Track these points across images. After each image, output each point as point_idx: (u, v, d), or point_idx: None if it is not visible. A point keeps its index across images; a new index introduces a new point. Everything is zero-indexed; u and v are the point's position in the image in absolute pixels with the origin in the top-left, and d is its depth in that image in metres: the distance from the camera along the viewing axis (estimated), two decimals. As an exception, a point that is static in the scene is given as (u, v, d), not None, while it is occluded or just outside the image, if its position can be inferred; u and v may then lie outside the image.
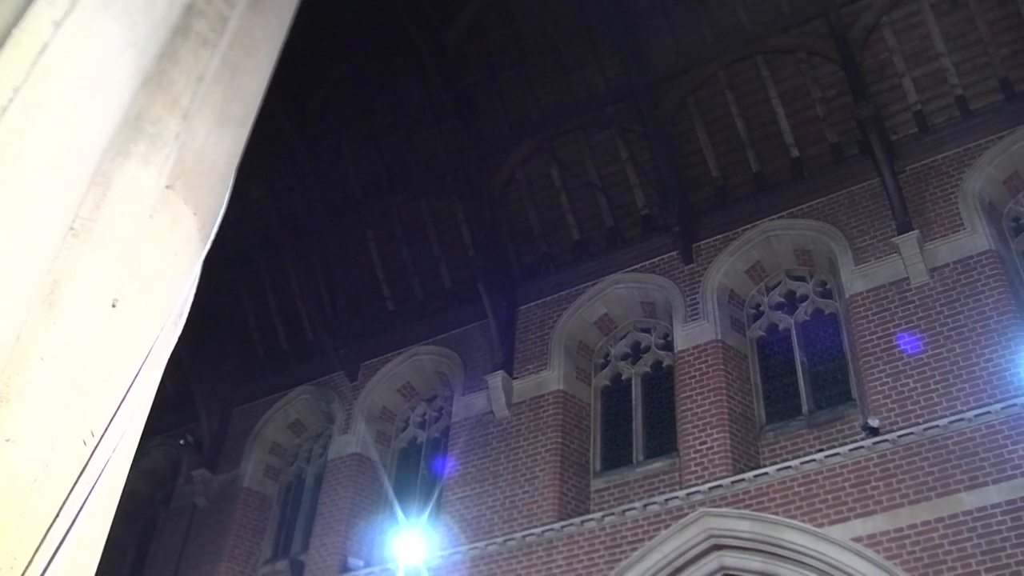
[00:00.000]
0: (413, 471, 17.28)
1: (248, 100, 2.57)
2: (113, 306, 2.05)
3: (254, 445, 18.71)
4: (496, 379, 16.03)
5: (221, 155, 2.45)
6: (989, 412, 11.80)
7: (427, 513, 15.76)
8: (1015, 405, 11.70)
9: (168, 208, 2.21)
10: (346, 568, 15.75)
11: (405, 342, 18.01)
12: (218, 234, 2.59)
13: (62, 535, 1.87)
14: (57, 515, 1.86)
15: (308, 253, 18.91)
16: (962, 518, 11.30)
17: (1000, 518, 11.08)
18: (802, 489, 12.51)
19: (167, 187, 2.21)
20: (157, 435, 19.18)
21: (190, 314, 2.56)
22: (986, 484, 11.38)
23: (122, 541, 19.25)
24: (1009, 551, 10.85)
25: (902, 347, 12.84)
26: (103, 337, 2.03)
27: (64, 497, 1.89)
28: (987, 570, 10.86)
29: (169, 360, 2.44)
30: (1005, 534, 10.96)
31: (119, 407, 2.05)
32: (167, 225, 2.22)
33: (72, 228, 1.99)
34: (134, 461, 2.31)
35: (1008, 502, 11.14)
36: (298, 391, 18.93)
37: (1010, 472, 11.31)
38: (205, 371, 19.21)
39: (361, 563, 15.74)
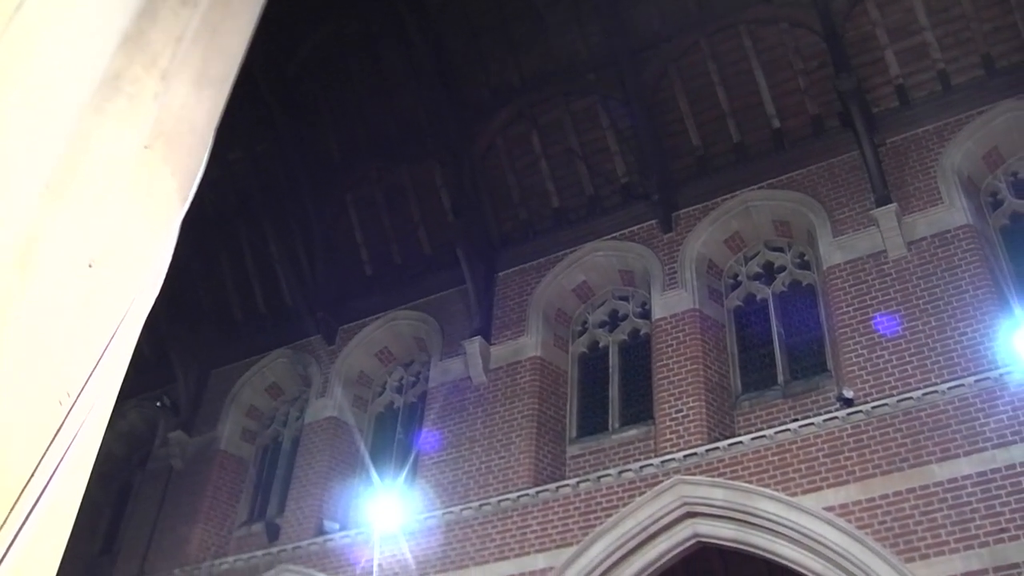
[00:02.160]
0: (389, 435, 17.32)
1: (228, 61, 2.55)
2: (89, 267, 2.03)
3: (231, 408, 18.70)
4: (474, 345, 16.05)
5: (200, 116, 2.43)
6: (962, 385, 11.89)
7: (403, 477, 15.81)
8: (988, 379, 11.79)
9: (146, 169, 2.19)
10: (322, 531, 15.79)
11: (383, 307, 18.00)
12: (196, 196, 2.57)
13: (36, 497, 1.86)
14: (31, 476, 1.85)
15: (287, 217, 18.84)
16: (933, 489, 11.41)
17: (970, 490, 11.19)
18: (776, 458, 12.59)
19: (145, 148, 2.18)
20: (134, 397, 19.15)
21: (167, 276, 2.54)
22: (957, 456, 11.48)
23: (98, 503, 19.25)
24: (978, 522, 10.97)
25: (879, 328, 12.90)
26: (78, 298, 2.01)
27: (39, 459, 1.88)
28: (956, 540, 10.97)
29: (146, 322, 2.43)
30: (975, 505, 11.07)
31: (95, 368, 2.04)
32: (145, 186, 2.20)
33: (48, 188, 1.97)
34: (110, 423, 2.30)
35: (979, 474, 11.24)
36: (275, 354, 18.91)
37: (981, 444, 11.41)
38: (182, 333, 19.16)
39: (337, 526, 15.79)
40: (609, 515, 13.27)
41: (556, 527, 13.61)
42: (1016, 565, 10.54)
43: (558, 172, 17.22)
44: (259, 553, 16.01)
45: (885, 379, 12.60)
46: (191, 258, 18.11)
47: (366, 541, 14.87)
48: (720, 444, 13.12)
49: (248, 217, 19.19)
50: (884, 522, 11.49)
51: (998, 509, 10.94)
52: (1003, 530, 10.81)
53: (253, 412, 18.99)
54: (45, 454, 1.90)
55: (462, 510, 14.44)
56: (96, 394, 2.07)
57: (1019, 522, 10.76)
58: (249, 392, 18.95)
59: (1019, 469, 11.07)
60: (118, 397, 2.31)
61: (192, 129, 2.38)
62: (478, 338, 16.10)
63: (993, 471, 11.19)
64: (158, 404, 19.13)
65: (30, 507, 1.85)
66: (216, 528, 17.43)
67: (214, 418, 18.68)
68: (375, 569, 14.44)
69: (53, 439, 1.93)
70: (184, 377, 19.19)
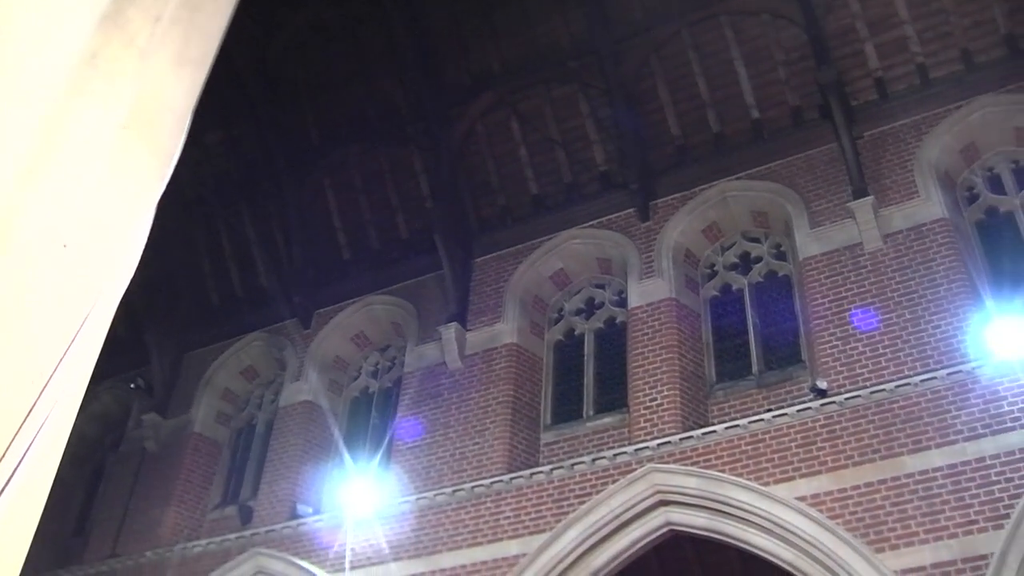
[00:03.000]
0: (364, 420, 17.31)
1: (207, 42, 2.53)
2: (64, 247, 2.02)
3: (205, 390, 18.65)
4: (450, 330, 16.05)
5: (178, 97, 2.41)
6: (935, 378, 11.97)
7: (377, 462, 15.81)
8: (960, 372, 11.86)
9: (123, 149, 2.18)
10: (295, 515, 15.77)
11: (360, 291, 17.97)
12: (174, 178, 2.56)
13: (7, 477, 1.86)
14: (2, 457, 1.85)
15: (265, 200, 18.78)
16: (904, 480, 11.48)
17: (941, 481, 11.27)
18: (749, 448, 12.65)
19: (122, 127, 2.17)
20: (108, 378, 19.08)
21: (143, 258, 2.53)
22: (929, 448, 11.56)
23: (70, 484, 19.18)
24: (948, 514, 11.05)
25: (857, 324, 12.96)
26: (53, 278, 2.00)
27: (10, 439, 1.87)
28: (926, 531, 11.06)
29: (121, 303, 2.42)
30: (945, 497, 11.16)
31: (68, 349, 2.04)
32: (121, 166, 2.19)
33: (23, 167, 1.96)
34: (84, 404, 2.29)
35: (949, 466, 11.32)
36: (251, 337, 18.86)
37: (952, 437, 11.49)
38: (158, 315, 19.08)
39: (310, 510, 15.78)
40: (582, 502, 13.30)
41: (529, 514, 13.64)
42: (984, 557, 10.63)
43: (537, 159, 17.21)
44: (232, 536, 15.99)
45: (859, 371, 12.66)
46: (167, 240, 17.99)
47: (339, 525, 14.88)
48: (694, 433, 13.16)
49: (225, 200, 19.10)
50: (855, 512, 11.57)
51: (967, 501, 11.03)
52: (972, 522, 10.90)
53: (228, 395, 18.94)
54: (17, 434, 1.89)
55: (436, 495, 14.45)
56: (69, 375, 2.06)
57: (988, 514, 10.85)
58: (224, 375, 18.90)
59: (989, 462, 11.16)
60: (92, 378, 2.30)
61: (170, 110, 2.37)
62: (454, 324, 16.09)
63: (963, 463, 11.28)
64: (132, 386, 19.05)
65: (1, 488, 1.84)
66: (189, 511, 17.40)
67: (188, 400, 18.62)
68: (348, 553, 14.45)
69: (25, 419, 1.92)
70: (159, 359, 19.11)
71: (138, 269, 2.50)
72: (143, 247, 2.43)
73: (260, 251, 19.06)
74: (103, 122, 2.13)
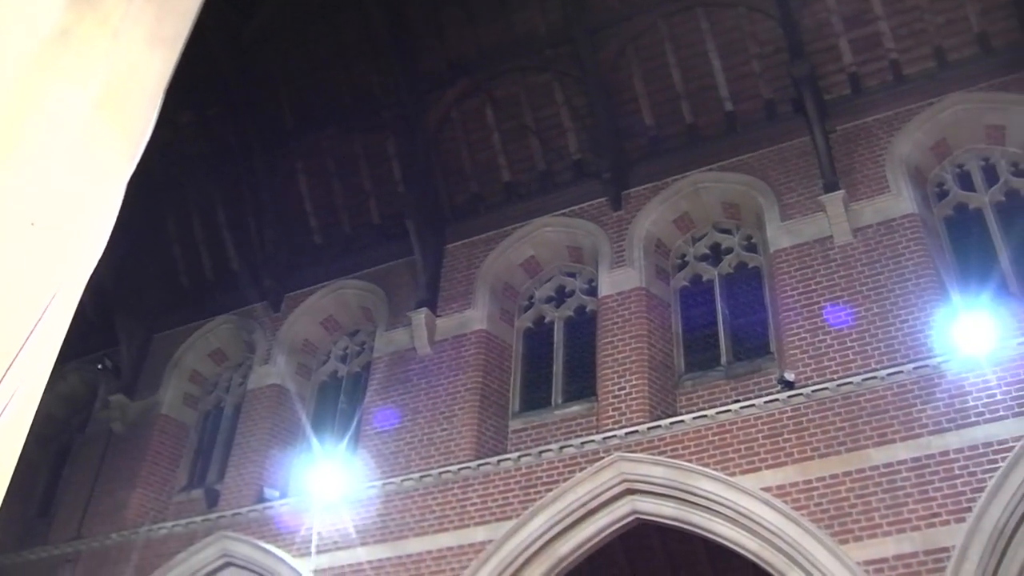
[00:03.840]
0: (332, 404, 17.28)
1: (180, 21, 2.52)
2: (31, 225, 2.01)
3: (173, 372, 18.56)
4: (419, 316, 16.04)
5: (150, 77, 2.40)
6: (901, 372, 12.06)
7: (344, 447, 15.80)
8: (927, 366, 11.96)
9: (93, 127, 2.17)
10: (262, 499, 15.74)
11: (330, 275, 17.92)
12: (145, 158, 2.54)
13: (-28, 454, 1.85)
14: (-33, 434, 1.84)
15: (236, 182, 18.68)
16: (869, 473, 11.58)
17: (905, 474, 11.37)
18: (716, 438, 12.71)
19: (93, 106, 2.16)
20: (75, 359, 18.95)
21: (113, 238, 2.52)
22: (894, 441, 11.65)
23: (36, 464, 19.08)
24: (911, 506, 11.15)
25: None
26: (19, 257, 1.99)
27: (-25, 416, 1.86)
28: (889, 523, 11.16)
29: (89, 283, 2.41)
30: (908, 490, 11.26)
31: (34, 328, 2.03)
32: (91, 145, 2.18)
33: (-8, 144, 1.94)
34: (50, 384, 2.28)
35: (913, 459, 11.42)
36: (220, 320, 18.78)
37: (917, 431, 11.59)
38: (126, 296, 18.96)
39: (277, 494, 15.75)
40: (549, 490, 13.33)
41: (496, 500, 13.67)
42: (946, 549, 10.74)
43: (511, 147, 17.20)
44: (198, 519, 15.94)
45: (826, 363, 12.74)
46: (137, 220, 17.86)
47: (306, 509, 14.87)
48: (662, 423, 13.21)
49: (197, 181, 19.00)
50: (820, 504, 11.65)
51: (931, 494, 11.13)
52: (935, 515, 11.00)
53: (196, 377, 18.86)
54: (-18, 413, 1.88)
55: (403, 481, 14.45)
56: (35, 354, 2.05)
57: (951, 507, 10.96)
58: (192, 357, 18.81)
59: (953, 456, 11.27)
60: (58, 358, 2.29)
61: (142, 89, 2.36)
62: (424, 310, 16.08)
63: (928, 457, 11.38)
64: (99, 367, 18.93)
65: (-35, 466, 1.83)
66: (155, 493, 17.33)
67: (156, 382, 18.53)
68: (314, 538, 14.44)
69: (-10, 398, 1.91)
70: (127, 340, 19.00)
71: (107, 249, 2.48)
72: (112, 227, 2.42)
73: (231, 233, 18.98)
74: (74, 100, 2.12)
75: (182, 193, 19.10)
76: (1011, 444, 11.05)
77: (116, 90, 2.23)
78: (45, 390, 2.22)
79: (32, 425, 2.19)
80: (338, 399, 17.26)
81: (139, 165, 2.48)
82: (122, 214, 2.54)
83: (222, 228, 19.08)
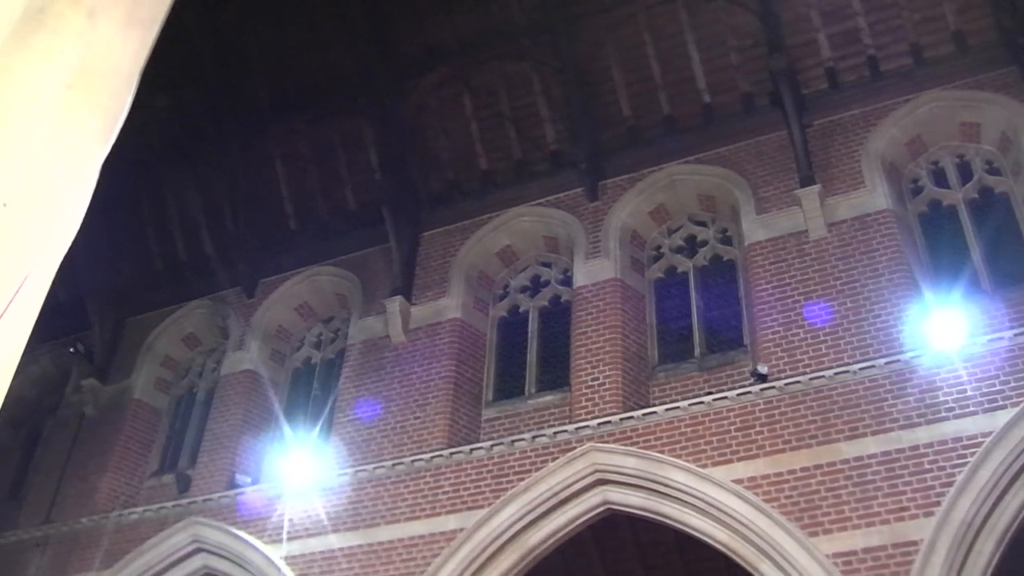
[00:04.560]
0: (305, 391, 17.24)
1: (157, 4, 2.50)
2: (3, 206, 2.00)
3: (146, 357, 18.48)
4: (394, 304, 16.01)
5: (126, 58, 2.38)
6: (873, 366, 12.13)
7: (317, 433, 15.78)
8: (898, 361, 12.04)
9: (67, 108, 2.15)
10: (233, 485, 15.70)
11: (305, 261, 17.87)
12: (119, 140, 2.53)
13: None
14: (-64, 414, 1.83)
15: (212, 167, 18.57)
16: (839, 466, 11.65)
17: (875, 468, 11.45)
18: (688, 430, 12.75)
19: (67, 87, 2.14)
20: (47, 341, 18.81)
21: (86, 220, 2.50)
22: (865, 435, 11.73)
23: (6, 447, 18.97)
24: (881, 500, 11.23)
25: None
26: (-8, 237, 1.98)
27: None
28: (859, 516, 11.23)
29: (62, 265, 2.40)
30: (878, 484, 11.33)
31: (6, 310, 2.01)
32: (65, 126, 2.16)
33: (-35, 122, 1.93)
34: (21, 366, 2.27)
35: (884, 453, 11.50)
36: (194, 305, 18.70)
37: (888, 425, 11.67)
38: (99, 279, 18.85)
39: (249, 480, 15.71)
40: (521, 479, 13.35)
41: (468, 489, 13.68)
42: (915, 543, 10.82)
43: (488, 135, 17.18)
44: (169, 504, 15.89)
45: (799, 357, 12.80)
46: (111, 203, 17.72)
47: (278, 496, 14.84)
48: (634, 413, 13.24)
49: (172, 164, 18.87)
50: (791, 496, 11.72)
51: (900, 488, 11.21)
52: (904, 508, 11.08)
53: (169, 362, 18.78)
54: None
55: (375, 468, 14.45)
56: (6, 335, 2.04)
57: (920, 502, 11.04)
58: (165, 342, 18.73)
59: (923, 450, 11.35)
60: (30, 340, 2.28)
61: (117, 70, 2.34)
62: (399, 297, 16.06)
63: (898, 451, 11.46)
64: (72, 350, 18.82)
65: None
66: (126, 477, 17.25)
67: (129, 366, 18.44)
68: (285, 524, 14.43)
69: (-40, 379, 1.90)
70: (100, 324, 18.89)
71: (80, 231, 2.47)
72: (86, 209, 2.41)
73: (205, 218, 18.87)
74: (47, 79, 2.10)
75: (157, 176, 18.98)
76: (980, 439, 11.15)
77: (90, 71, 2.22)
78: (16, 372, 2.21)
79: (3, 407, 2.18)
80: (311, 386, 17.22)
81: (114, 147, 2.46)
82: (96, 196, 2.52)
83: (197, 212, 18.98)
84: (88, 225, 2.58)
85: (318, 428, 15.90)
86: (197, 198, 18.92)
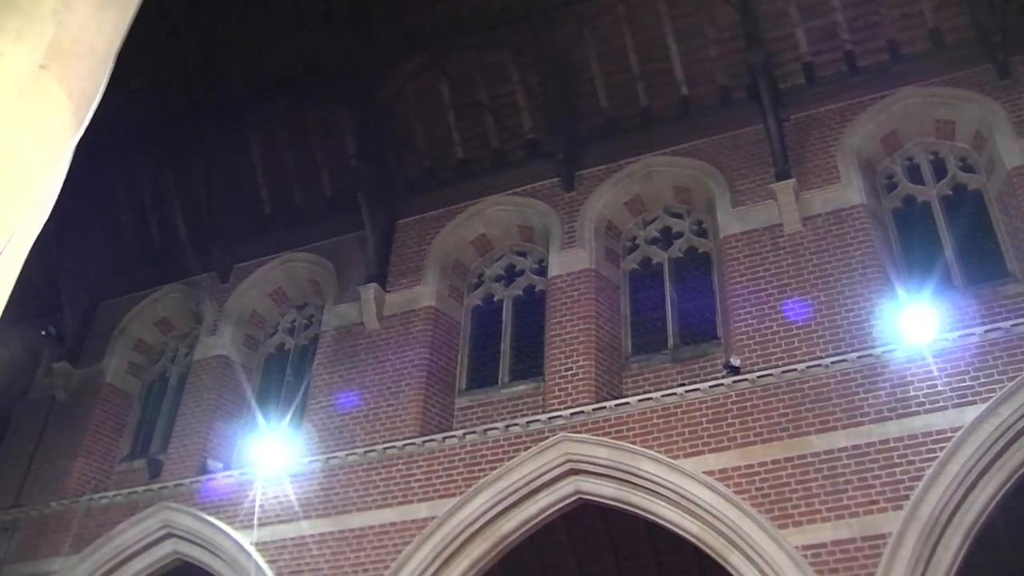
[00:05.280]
0: (279, 377, 17.20)
1: (133, -15, 2.48)
2: (-25, 185, 1.98)
3: (119, 341, 18.38)
4: (369, 291, 15.99)
5: (101, 39, 2.37)
6: (845, 360, 12.19)
7: (289, 420, 15.74)
8: (870, 356, 12.11)
9: (40, 89, 2.13)
10: (205, 470, 15.65)
11: (280, 247, 17.81)
12: (94, 122, 2.51)
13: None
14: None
15: (188, 150, 18.47)
16: (810, 459, 11.71)
17: (845, 461, 11.52)
18: (661, 421, 12.79)
19: (40, 67, 2.13)
20: (18, 324, 18.67)
21: (59, 202, 2.49)
22: (835, 429, 11.79)
23: (-26, 431, 18.84)
24: (851, 493, 11.30)
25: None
26: (-37, 216, 1.96)
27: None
28: (828, 509, 11.30)
29: (34, 247, 2.38)
30: (848, 477, 11.41)
31: (-24, 290, 2.00)
32: (38, 106, 2.15)
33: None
34: (-10, 347, 2.25)
35: (854, 447, 11.57)
36: (168, 289, 18.61)
37: (859, 419, 11.73)
38: (72, 262, 18.73)
39: (220, 466, 15.67)
40: (494, 468, 13.37)
41: (440, 477, 13.68)
42: (883, 536, 10.90)
43: (465, 124, 17.15)
44: (140, 489, 15.83)
45: (772, 350, 12.85)
46: (85, 184, 17.60)
47: (249, 482, 14.81)
48: (607, 404, 13.28)
49: (148, 147, 18.74)
50: (761, 488, 11.78)
51: (870, 481, 11.28)
52: (873, 502, 11.16)
53: (141, 346, 18.69)
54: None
55: (347, 455, 14.43)
56: (-24, 316, 2.03)
57: (889, 495, 11.12)
58: (138, 326, 18.64)
59: (893, 444, 11.42)
60: (1, 323, 2.27)
61: (92, 51, 2.32)
62: (373, 285, 16.03)
63: (868, 445, 11.53)
64: (43, 333, 18.70)
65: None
66: (97, 462, 17.17)
67: (101, 350, 18.34)
68: (256, 510, 14.40)
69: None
70: (72, 307, 18.78)
71: (53, 213, 2.45)
72: (58, 190, 2.39)
73: (180, 202, 18.78)
74: (20, 60, 2.08)
75: (132, 159, 18.86)
76: (949, 434, 11.23)
77: (65, 51, 2.20)
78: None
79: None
80: (284, 372, 17.18)
81: (88, 129, 2.45)
82: (69, 177, 2.51)
83: (171, 196, 18.87)
84: (61, 207, 2.56)
85: (291, 414, 15.86)
86: (172, 182, 18.82)
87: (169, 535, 15.21)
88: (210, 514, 14.87)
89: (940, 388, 11.60)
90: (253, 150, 18.36)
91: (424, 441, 14.10)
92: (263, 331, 17.89)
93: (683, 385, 13.14)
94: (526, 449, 13.33)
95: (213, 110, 18.14)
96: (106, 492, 16.24)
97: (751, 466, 11.98)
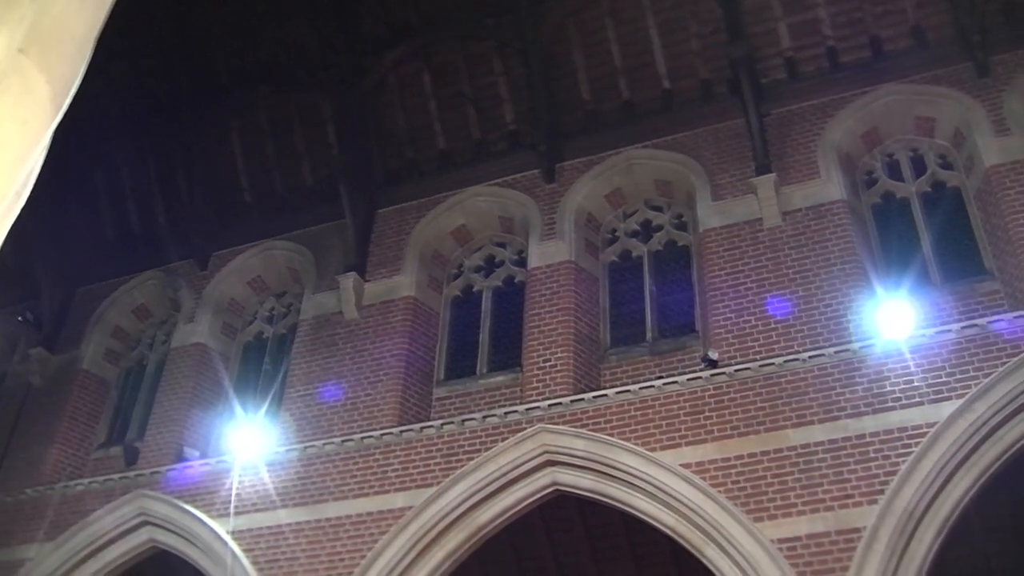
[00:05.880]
0: (256, 366, 17.16)
1: (114, -30, 2.47)
2: (-48, 169, 1.97)
3: (96, 327, 18.29)
4: (348, 280, 15.96)
5: (80, 24, 2.35)
6: (823, 355, 12.25)
7: (267, 408, 15.71)
8: (847, 351, 12.16)
9: (19, 73, 2.12)
10: (182, 458, 15.61)
11: (260, 235, 17.76)
12: (74, 107, 2.50)
13: None
14: None
15: (168, 137, 18.37)
16: (786, 453, 11.76)
17: (821, 456, 11.57)
18: (638, 413, 12.82)
19: (19, 51, 2.12)
20: (-6, 309, 18.61)
21: (37, 187, 2.48)
22: (812, 423, 11.84)
23: (-50, 415, 18.73)
24: (826, 487, 11.36)
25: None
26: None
27: None
28: (804, 503, 11.36)
29: (11, 232, 2.37)
30: (824, 471, 11.46)
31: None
32: (16, 91, 2.13)
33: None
34: (-34, 331, 2.24)
35: (830, 441, 11.62)
36: (146, 276, 18.54)
37: (835, 413, 11.79)
38: (50, 248, 18.63)
39: (197, 454, 15.64)
40: (471, 458, 13.38)
41: (417, 467, 13.68)
42: (858, 530, 10.96)
43: (447, 114, 17.13)
44: (116, 476, 15.77)
45: (750, 344, 12.90)
46: (64, 170, 17.53)
47: (226, 470, 14.77)
48: (585, 396, 13.29)
49: (128, 133, 18.64)
50: (737, 482, 11.82)
51: (845, 476, 11.34)
52: (848, 496, 11.22)
53: (119, 333, 18.61)
54: None
55: (324, 445, 14.41)
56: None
57: (864, 489, 11.18)
58: (116, 312, 18.55)
59: (868, 439, 11.48)
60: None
61: (71, 36, 2.31)
62: (353, 274, 16.01)
63: (844, 439, 11.58)
64: (20, 319, 18.60)
65: None
66: (73, 449, 17.10)
67: (78, 337, 18.25)
68: (233, 498, 14.37)
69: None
70: (49, 293, 18.68)
71: (31, 198, 2.44)
72: (36, 175, 2.38)
73: (160, 189, 18.70)
74: None
75: (112, 145, 18.75)
76: (925, 429, 11.29)
77: (44, 35, 2.19)
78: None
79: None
80: (262, 360, 17.15)
81: (67, 113, 2.44)
82: (48, 163, 2.50)
83: (151, 182, 18.79)
84: (39, 192, 2.55)
85: (268, 403, 15.83)
86: (152, 168, 18.73)
87: (145, 523, 15.16)
88: (186, 502, 14.83)
89: (916, 384, 11.66)
90: (234, 138, 18.30)
91: (402, 431, 14.10)
92: (241, 319, 17.84)
93: (661, 378, 13.17)
94: (504, 440, 13.34)
95: (195, 96, 18.06)
96: (82, 479, 16.19)
97: (728, 459, 12.02)
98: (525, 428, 13.31)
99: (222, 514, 14.39)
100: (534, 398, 13.68)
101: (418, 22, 16.98)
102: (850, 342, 12.26)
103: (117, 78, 18.27)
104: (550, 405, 13.38)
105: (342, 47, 17.05)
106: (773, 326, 12.93)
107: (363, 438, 14.24)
